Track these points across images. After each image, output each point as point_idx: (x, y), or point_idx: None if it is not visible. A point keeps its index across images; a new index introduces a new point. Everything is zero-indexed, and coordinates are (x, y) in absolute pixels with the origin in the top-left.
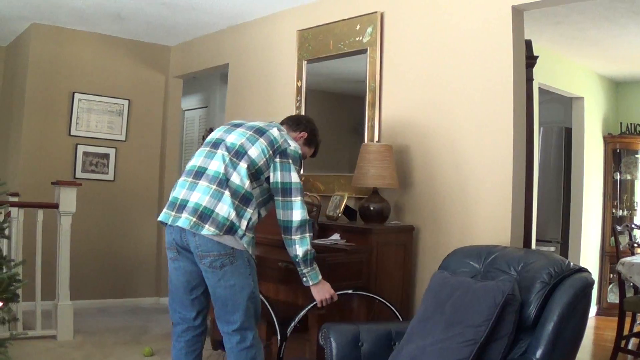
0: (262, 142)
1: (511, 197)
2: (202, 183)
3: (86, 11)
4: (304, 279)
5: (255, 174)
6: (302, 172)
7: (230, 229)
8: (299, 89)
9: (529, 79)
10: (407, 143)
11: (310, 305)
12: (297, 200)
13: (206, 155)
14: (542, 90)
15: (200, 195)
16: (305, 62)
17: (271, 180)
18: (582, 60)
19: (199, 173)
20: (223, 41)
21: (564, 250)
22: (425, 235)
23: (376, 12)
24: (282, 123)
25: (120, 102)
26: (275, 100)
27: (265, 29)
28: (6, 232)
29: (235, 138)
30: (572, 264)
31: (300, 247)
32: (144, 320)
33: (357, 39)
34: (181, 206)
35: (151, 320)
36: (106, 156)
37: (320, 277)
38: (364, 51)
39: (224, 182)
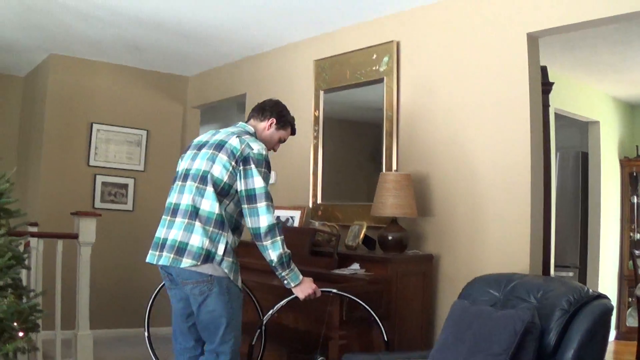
0: (222, 157)
1: (530, 224)
2: (177, 219)
3: (104, 42)
4: (285, 282)
5: (223, 190)
6: (272, 174)
7: (207, 257)
8: (316, 119)
9: (545, 106)
10: (425, 171)
11: (290, 298)
12: (262, 206)
13: (179, 190)
14: (557, 115)
15: (175, 231)
16: (323, 91)
17: (238, 189)
18: (597, 84)
19: (175, 210)
20: (240, 71)
21: (582, 275)
22: (445, 263)
23: (392, 41)
24: (249, 118)
25: (139, 132)
26: None
27: (282, 59)
28: (26, 262)
29: (198, 163)
30: (590, 290)
31: (272, 251)
32: (163, 349)
33: (374, 68)
34: (162, 245)
35: (169, 349)
36: (125, 186)
37: (300, 277)
38: (380, 80)
39: (193, 213)
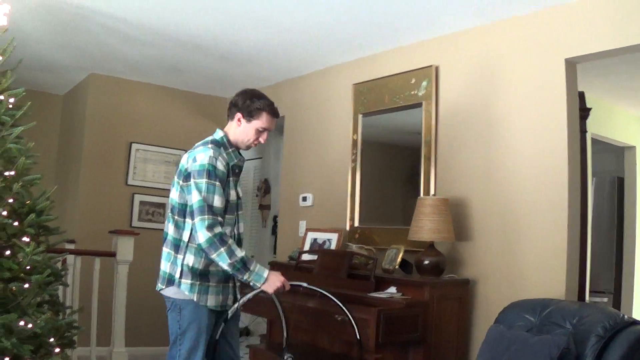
0: (175, 180)
1: (566, 249)
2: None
3: (144, 63)
4: (251, 284)
5: (180, 212)
6: (237, 180)
7: (169, 280)
8: (354, 142)
9: (583, 131)
10: (463, 195)
11: (257, 291)
12: (197, 221)
13: (167, 221)
14: (593, 140)
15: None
16: (361, 115)
17: None
18: (633, 109)
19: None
20: (279, 94)
21: (617, 301)
22: (481, 288)
23: (431, 65)
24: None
25: (177, 152)
26: (331, 152)
27: (321, 82)
28: (64, 279)
29: (171, 192)
30: (626, 316)
31: (222, 263)
32: None
33: (413, 92)
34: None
35: None
36: (162, 205)
37: (265, 274)
38: (419, 104)
39: (166, 240)
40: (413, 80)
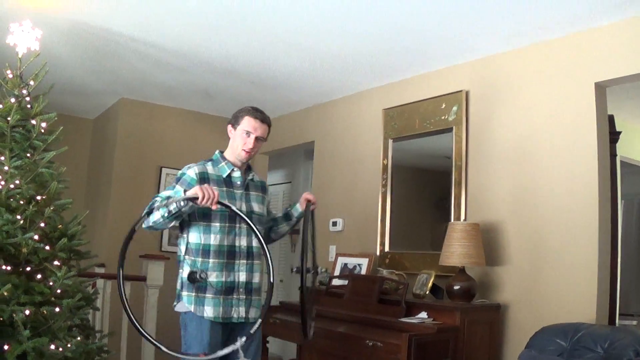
0: None
1: (597, 273)
2: None
3: (175, 88)
4: (177, 205)
5: (180, 227)
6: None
7: (177, 296)
8: (384, 167)
9: (613, 155)
10: (493, 220)
11: (184, 197)
12: None
13: None
14: (622, 163)
15: None
16: (391, 140)
17: None
18: None
19: None
20: (309, 119)
21: None
22: (512, 312)
23: (461, 90)
24: None
25: None
26: (361, 177)
27: (351, 107)
28: (95, 303)
29: None
30: None
31: (156, 218)
32: None
33: (443, 117)
34: None
35: None
36: None
37: (181, 192)
38: (449, 130)
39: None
40: (443, 105)
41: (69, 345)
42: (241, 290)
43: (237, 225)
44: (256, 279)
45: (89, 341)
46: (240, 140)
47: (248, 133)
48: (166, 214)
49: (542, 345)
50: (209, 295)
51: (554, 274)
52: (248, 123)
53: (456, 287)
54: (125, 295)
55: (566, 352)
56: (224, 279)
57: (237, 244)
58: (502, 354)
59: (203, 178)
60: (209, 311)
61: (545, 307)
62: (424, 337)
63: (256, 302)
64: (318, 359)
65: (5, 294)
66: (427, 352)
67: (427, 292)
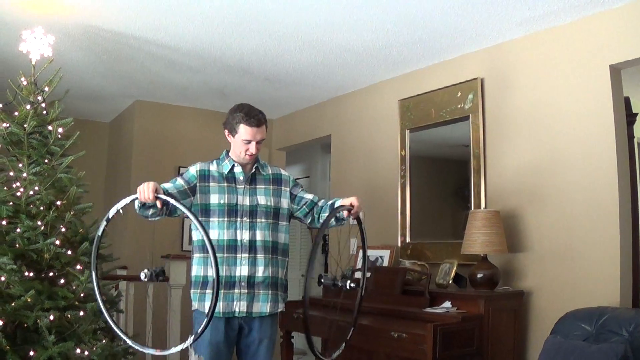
0: None
1: (619, 256)
2: None
3: (190, 88)
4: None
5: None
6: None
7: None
8: (402, 158)
9: (630, 137)
10: (513, 207)
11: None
12: None
13: None
14: (639, 144)
15: None
16: (408, 130)
17: None
18: None
19: None
20: (325, 113)
21: None
22: (535, 299)
23: (476, 78)
24: None
25: None
26: (379, 169)
27: (367, 99)
28: (118, 305)
29: None
30: None
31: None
32: None
33: (459, 106)
34: None
35: None
36: None
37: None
38: (466, 118)
39: None
40: (459, 94)
41: (94, 349)
42: (243, 284)
43: (239, 219)
44: (260, 272)
45: (114, 344)
46: (241, 147)
47: (248, 141)
48: (138, 209)
49: (567, 331)
50: (209, 290)
51: (576, 259)
52: (245, 132)
53: (479, 276)
54: (99, 282)
55: (592, 336)
56: (224, 274)
57: (238, 237)
58: (527, 340)
59: (203, 175)
60: (205, 304)
61: (569, 292)
62: (449, 327)
63: (262, 297)
64: (344, 352)
65: (29, 300)
66: (452, 341)
67: (450, 282)
